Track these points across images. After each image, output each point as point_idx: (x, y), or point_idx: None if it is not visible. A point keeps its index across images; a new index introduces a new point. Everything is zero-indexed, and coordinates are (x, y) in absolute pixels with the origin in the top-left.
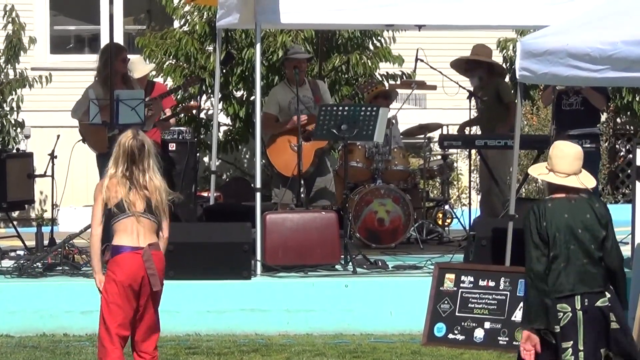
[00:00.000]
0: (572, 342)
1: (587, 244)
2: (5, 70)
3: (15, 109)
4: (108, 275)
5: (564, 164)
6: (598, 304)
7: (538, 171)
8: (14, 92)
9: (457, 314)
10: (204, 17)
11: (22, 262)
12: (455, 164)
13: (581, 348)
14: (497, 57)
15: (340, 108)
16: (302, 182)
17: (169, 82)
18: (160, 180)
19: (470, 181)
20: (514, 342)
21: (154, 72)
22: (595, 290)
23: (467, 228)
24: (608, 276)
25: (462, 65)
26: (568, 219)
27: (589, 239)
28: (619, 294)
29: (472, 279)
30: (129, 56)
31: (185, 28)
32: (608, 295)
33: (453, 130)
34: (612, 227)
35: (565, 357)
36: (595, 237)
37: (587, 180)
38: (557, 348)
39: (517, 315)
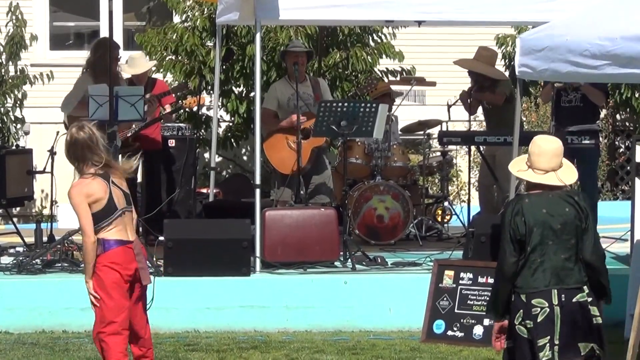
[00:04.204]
0: (548, 337)
1: (566, 239)
2: (6, 67)
3: (17, 105)
4: (102, 268)
5: (543, 161)
6: (576, 299)
7: (517, 167)
8: (16, 90)
9: (456, 310)
10: (205, 12)
11: (21, 258)
12: (454, 161)
13: (557, 342)
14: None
15: (340, 104)
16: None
17: (169, 78)
18: (118, 160)
19: (469, 178)
20: None
21: (154, 69)
22: (572, 286)
23: (466, 225)
24: (586, 271)
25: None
26: (546, 214)
27: (569, 234)
28: (602, 289)
29: (471, 276)
30: (129, 52)
31: (186, 24)
32: (587, 290)
33: (452, 127)
34: (592, 222)
35: (543, 354)
36: (575, 232)
37: (566, 176)
38: (531, 342)
39: None
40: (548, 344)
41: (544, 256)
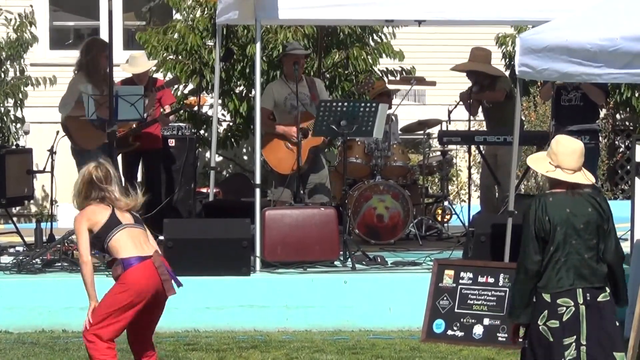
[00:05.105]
0: (574, 337)
1: (588, 238)
2: (6, 68)
3: (17, 105)
4: (121, 286)
5: (571, 161)
6: (600, 299)
7: (545, 168)
8: (19, 92)
9: (456, 310)
10: (205, 12)
11: (21, 258)
12: (454, 160)
13: (583, 342)
14: (496, 53)
15: (340, 104)
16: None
17: (170, 78)
18: (132, 198)
19: (469, 177)
20: None
21: (154, 68)
22: (595, 285)
23: (466, 224)
24: (608, 272)
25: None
26: (570, 213)
27: (591, 233)
28: (618, 291)
29: (471, 275)
30: (130, 52)
31: (188, 22)
32: (608, 290)
33: (452, 127)
34: (613, 223)
35: (568, 353)
36: (597, 232)
37: (590, 176)
38: (551, 344)
39: None
40: (574, 343)
41: (568, 255)
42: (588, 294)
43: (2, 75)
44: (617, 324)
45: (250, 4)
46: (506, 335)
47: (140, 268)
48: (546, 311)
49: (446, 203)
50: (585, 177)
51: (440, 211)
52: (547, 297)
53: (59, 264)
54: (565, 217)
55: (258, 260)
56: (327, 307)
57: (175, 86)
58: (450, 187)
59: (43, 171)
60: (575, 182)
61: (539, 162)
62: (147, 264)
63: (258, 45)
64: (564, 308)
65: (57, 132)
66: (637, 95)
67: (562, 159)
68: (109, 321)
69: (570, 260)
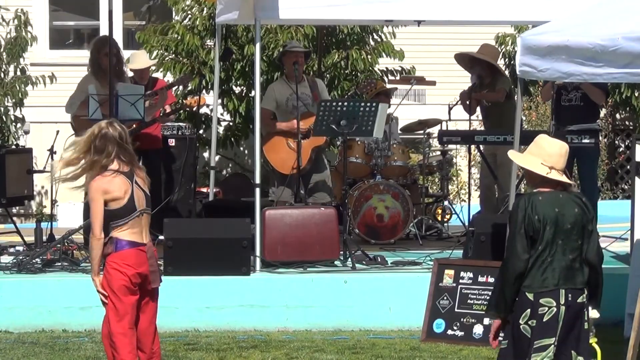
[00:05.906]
0: (554, 338)
1: (574, 239)
2: (6, 69)
3: (17, 105)
4: (112, 266)
5: (563, 162)
6: (579, 300)
7: (544, 169)
8: (19, 93)
9: (456, 310)
10: (204, 12)
11: (21, 257)
12: (454, 160)
13: (556, 344)
14: None
15: (340, 104)
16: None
17: (169, 78)
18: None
19: (469, 177)
20: None
21: (153, 67)
22: (578, 286)
23: (466, 224)
24: (589, 273)
25: (465, 61)
26: (558, 213)
27: (576, 234)
28: (598, 293)
29: (471, 275)
30: (130, 51)
31: (186, 22)
32: (586, 292)
33: (452, 126)
34: (595, 224)
35: (546, 354)
36: (582, 233)
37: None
38: (530, 343)
39: None
40: (552, 345)
41: (554, 255)
42: (570, 295)
43: (2, 75)
44: (585, 327)
45: (250, 4)
46: None
47: (132, 253)
48: (528, 310)
49: (446, 203)
50: (571, 179)
51: (440, 211)
52: (530, 296)
53: (59, 264)
54: (554, 216)
55: (258, 260)
56: (327, 306)
57: (177, 86)
58: (450, 187)
59: (43, 171)
60: (564, 182)
61: (532, 163)
62: (139, 251)
63: (258, 45)
64: (546, 308)
65: (57, 132)
66: (637, 94)
67: (557, 160)
68: (116, 307)
69: (556, 260)
